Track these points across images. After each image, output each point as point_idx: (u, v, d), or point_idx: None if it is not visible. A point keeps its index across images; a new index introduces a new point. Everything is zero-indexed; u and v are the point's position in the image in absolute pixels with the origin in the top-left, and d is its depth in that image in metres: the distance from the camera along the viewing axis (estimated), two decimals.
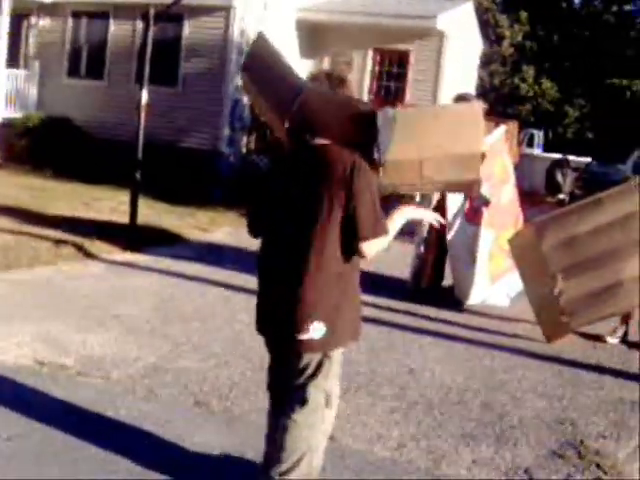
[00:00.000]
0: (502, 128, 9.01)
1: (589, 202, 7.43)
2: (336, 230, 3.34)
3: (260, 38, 3.98)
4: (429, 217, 4.07)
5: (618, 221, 7.05)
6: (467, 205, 8.22)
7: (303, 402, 3.51)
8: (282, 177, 3.55)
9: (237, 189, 14.27)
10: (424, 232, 8.43)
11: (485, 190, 8.13)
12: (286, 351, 3.56)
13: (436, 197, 8.25)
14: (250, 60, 4.00)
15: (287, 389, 3.58)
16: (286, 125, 3.51)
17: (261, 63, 3.81)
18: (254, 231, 3.72)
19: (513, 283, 8.04)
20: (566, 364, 6.66)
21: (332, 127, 3.44)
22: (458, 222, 8.23)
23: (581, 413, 5.52)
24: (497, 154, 8.44)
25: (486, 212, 8.16)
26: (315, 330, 3.40)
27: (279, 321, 3.52)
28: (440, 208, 8.23)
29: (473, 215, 8.23)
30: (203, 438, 4.55)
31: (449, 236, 8.26)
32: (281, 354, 3.64)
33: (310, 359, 3.49)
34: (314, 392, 3.52)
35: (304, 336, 3.41)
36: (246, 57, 4.29)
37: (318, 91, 3.55)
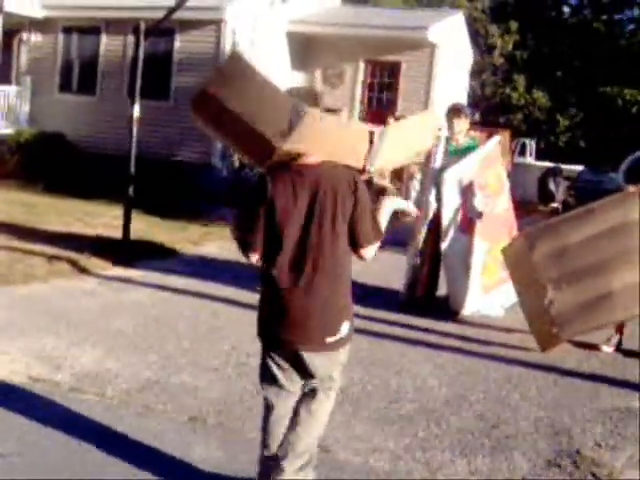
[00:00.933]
0: (495, 139, 9.03)
1: (580, 212, 7.41)
2: (346, 239, 3.69)
3: (235, 55, 3.95)
4: (406, 206, 4.21)
5: (608, 231, 7.04)
6: (461, 215, 8.22)
7: (329, 390, 3.89)
8: (288, 194, 3.61)
9: (230, 203, 14.27)
10: (420, 243, 8.42)
11: (479, 200, 8.15)
12: (313, 353, 3.75)
13: (433, 209, 8.26)
14: (221, 78, 3.88)
15: (307, 389, 3.87)
16: (283, 145, 3.59)
17: (236, 81, 3.75)
18: (251, 248, 3.72)
19: (508, 294, 8.02)
20: (561, 373, 6.65)
21: (330, 146, 3.71)
22: (452, 232, 8.24)
23: (577, 422, 5.52)
24: (491, 165, 8.46)
25: (479, 223, 8.17)
26: (344, 329, 3.75)
27: (309, 328, 3.70)
28: (437, 218, 8.27)
29: (467, 225, 8.23)
30: (198, 453, 4.53)
31: (443, 246, 8.26)
32: (300, 359, 3.76)
33: (342, 353, 3.85)
34: (338, 380, 3.97)
35: (338, 336, 3.73)
36: (216, 74, 4.10)
37: (318, 111, 3.74)
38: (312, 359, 3.74)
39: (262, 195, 3.62)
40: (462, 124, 8.35)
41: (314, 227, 3.61)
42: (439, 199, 8.21)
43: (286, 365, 3.79)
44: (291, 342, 3.73)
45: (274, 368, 3.80)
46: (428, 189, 8.29)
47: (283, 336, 3.73)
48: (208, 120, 3.89)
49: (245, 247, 3.75)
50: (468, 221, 8.21)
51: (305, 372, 3.79)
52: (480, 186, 8.22)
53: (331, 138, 3.73)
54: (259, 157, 3.78)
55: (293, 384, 3.83)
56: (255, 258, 3.73)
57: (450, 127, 8.38)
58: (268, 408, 3.87)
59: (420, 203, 8.29)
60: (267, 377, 3.85)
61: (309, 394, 3.86)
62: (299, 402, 3.87)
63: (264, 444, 3.87)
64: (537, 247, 7.11)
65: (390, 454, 4.75)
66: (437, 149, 8.26)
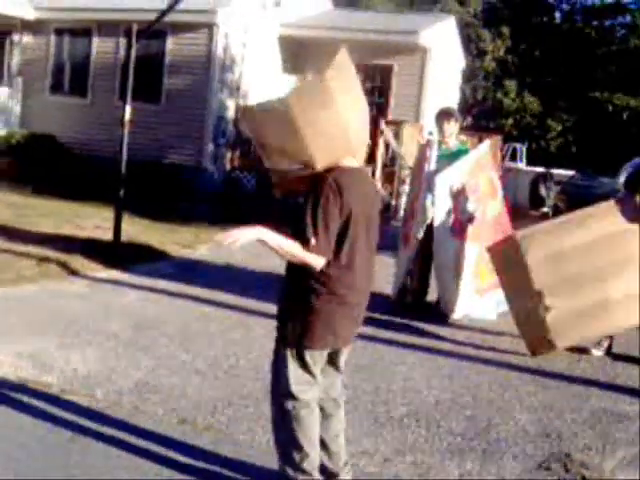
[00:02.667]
0: (487, 143, 9.05)
1: (577, 216, 7.30)
2: None
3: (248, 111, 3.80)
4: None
5: (606, 237, 6.93)
6: (453, 218, 8.22)
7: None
8: (357, 198, 3.62)
9: (223, 205, 14.29)
10: (414, 247, 8.38)
11: (470, 203, 8.15)
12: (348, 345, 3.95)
13: (431, 213, 8.23)
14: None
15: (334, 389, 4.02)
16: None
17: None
18: (322, 252, 3.59)
19: (502, 298, 7.96)
20: (551, 377, 6.67)
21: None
22: (443, 236, 8.23)
23: (567, 425, 5.53)
24: (483, 168, 8.47)
25: (471, 226, 8.17)
26: None
27: (360, 323, 3.93)
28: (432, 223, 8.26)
29: (459, 229, 8.23)
30: (187, 455, 4.52)
31: (435, 249, 8.26)
32: (338, 353, 3.92)
33: None
34: None
35: None
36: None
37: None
38: (344, 352, 3.94)
39: (342, 202, 3.54)
40: (452, 127, 8.36)
41: (372, 228, 3.77)
42: (433, 203, 8.19)
43: (323, 362, 3.83)
44: (348, 339, 3.86)
45: (314, 368, 3.76)
46: (424, 194, 8.26)
47: (345, 333, 3.80)
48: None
49: (327, 254, 3.60)
50: (459, 225, 8.21)
51: (332, 364, 3.92)
52: (471, 190, 8.22)
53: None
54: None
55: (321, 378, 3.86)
56: (322, 263, 3.59)
57: (440, 131, 8.40)
58: (305, 412, 3.76)
59: (408, 207, 8.27)
60: (303, 381, 3.74)
61: (333, 402, 3.98)
62: (326, 412, 3.94)
63: (303, 452, 3.76)
64: (532, 250, 6.98)
65: (380, 457, 4.75)
66: (430, 153, 8.27)
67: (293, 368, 3.71)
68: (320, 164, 3.54)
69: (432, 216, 8.20)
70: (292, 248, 3.52)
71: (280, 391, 3.76)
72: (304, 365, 3.71)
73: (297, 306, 3.67)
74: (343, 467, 4.04)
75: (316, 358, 3.73)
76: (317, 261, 3.54)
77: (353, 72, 3.68)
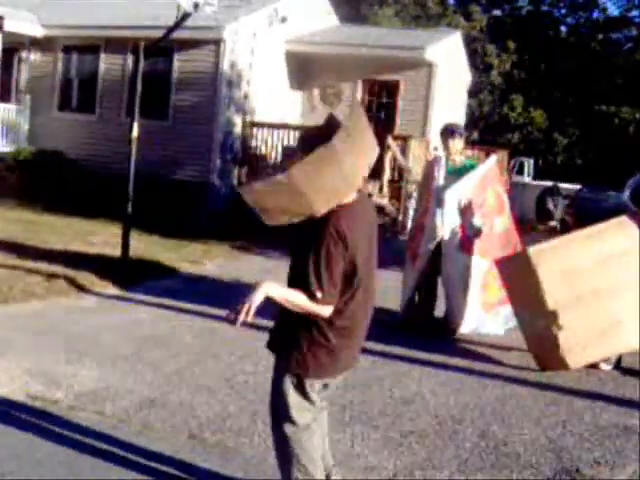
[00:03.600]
0: (493, 157, 9.04)
1: (589, 232, 7.17)
2: None
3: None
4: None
5: (620, 254, 6.83)
6: (460, 234, 8.22)
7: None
8: (358, 235, 3.59)
9: (231, 220, 14.32)
10: (424, 263, 8.37)
11: (477, 218, 8.15)
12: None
13: (441, 230, 8.22)
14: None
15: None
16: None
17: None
18: (331, 302, 3.57)
19: (510, 314, 7.92)
20: (560, 391, 6.65)
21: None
22: (452, 250, 8.23)
23: (576, 440, 5.51)
24: (490, 183, 8.46)
25: (478, 241, 8.16)
26: None
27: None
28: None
29: (466, 244, 8.23)
30: (197, 471, 4.52)
31: (443, 264, 8.26)
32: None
33: None
34: None
35: None
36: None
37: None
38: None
39: (344, 246, 3.50)
40: (457, 144, 8.37)
41: (373, 248, 3.75)
42: (443, 219, 8.18)
43: (321, 387, 3.80)
44: (349, 365, 3.84)
45: (314, 395, 3.74)
46: (433, 210, 8.24)
47: (346, 362, 3.79)
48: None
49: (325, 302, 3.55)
50: (467, 240, 8.21)
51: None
52: (478, 205, 8.22)
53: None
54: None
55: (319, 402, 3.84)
56: (330, 312, 3.56)
57: (445, 147, 8.42)
58: (306, 436, 3.77)
59: (415, 222, 8.27)
60: (302, 407, 3.73)
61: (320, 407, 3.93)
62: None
63: (307, 472, 3.76)
64: (544, 266, 6.86)
65: (389, 472, 4.74)
66: (437, 169, 8.28)
67: (293, 395, 3.69)
68: (322, 211, 3.49)
69: (442, 233, 8.20)
70: (299, 301, 3.49)
71: (280, 416, 3.75)
72: (304, 393, 3.70)
73: (299, 336, 3.63)
74: (332, 468, 4.08)
75: (315, 386, 3.72)
76: (324, 311, 3.53)
77: (365, 124, 3.59)
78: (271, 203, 3.51)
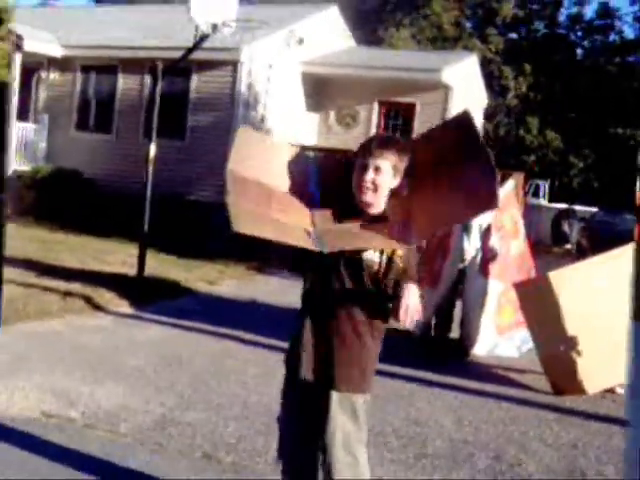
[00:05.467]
0: (511, 182, 9.06)
1: (608, 256, 7.13)
2: None
3: None
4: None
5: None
6: (481, 257, 8.27)
7: None
8: None
9: (247, 240, 14.30)
10: (447, 285, 8.40)
11: (495, 241, 8.19)
12: None
13: (468, 254, 8.29)
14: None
15: None
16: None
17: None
18: None
19: (526, 337, 7.91)
20: (575, 414, 6.63)
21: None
22: (475, 273, 8.28)
23: (591, 463, 5.49)
24: (507, 207, 8.49)
25: (494, 264, 8.19)
26: None
27: None
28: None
29: (485, 267, 8.27)
30: None
31: (466, 287, 8.32)
32: None
33: None
34: None
35: None
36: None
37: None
38: None
39: None
40: None
41: None
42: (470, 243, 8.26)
43: None
44: None
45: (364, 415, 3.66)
46: (459, 234, 8.28)
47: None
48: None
49: None
50: (486, 263, 8.25)
51: None
52: (496, 227, 8.27)
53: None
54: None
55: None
56: None
57: None
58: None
59: (432, 245, 8.29)
60: (354, 439, 3.61)
61: None
62: None
63: None
64: (565, 291, 6.86)
65: None
66: None
67: (343, 419, 3.50)
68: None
69: (470, 256, 8.26)
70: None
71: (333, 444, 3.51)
72: (355, 414, 3.52)
73: (352, 350, 3.45)
74: None
75: (369, 403, 3.56)
76: None
77: None
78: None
